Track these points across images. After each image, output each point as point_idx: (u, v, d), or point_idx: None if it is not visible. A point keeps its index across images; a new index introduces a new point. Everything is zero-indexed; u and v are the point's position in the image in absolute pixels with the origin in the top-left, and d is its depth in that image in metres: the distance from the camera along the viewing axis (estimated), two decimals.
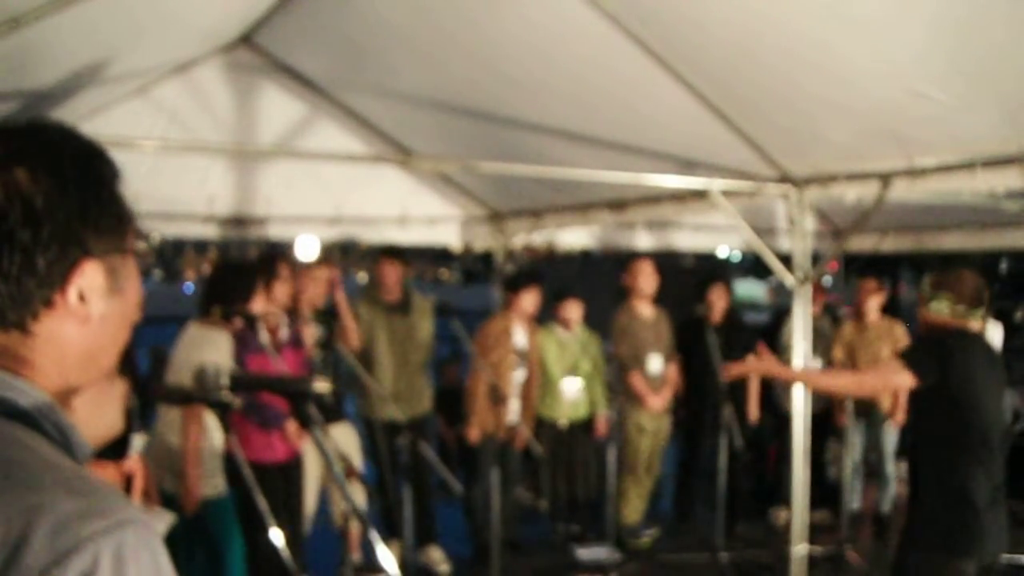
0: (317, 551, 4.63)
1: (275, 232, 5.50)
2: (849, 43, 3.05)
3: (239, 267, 3.88)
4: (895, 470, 5.64)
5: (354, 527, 4.29)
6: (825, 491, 5.71)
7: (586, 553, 5.20)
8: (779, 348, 5.48)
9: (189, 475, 3.35)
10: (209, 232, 5.38)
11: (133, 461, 2.52)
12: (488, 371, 4.74)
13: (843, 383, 3.80)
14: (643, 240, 6.64)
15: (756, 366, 3.65)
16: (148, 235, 5.04)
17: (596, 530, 5.54)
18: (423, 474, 4.77)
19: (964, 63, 2.93)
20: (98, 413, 0.92)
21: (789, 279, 4.34)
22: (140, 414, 4.45)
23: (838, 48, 3.09)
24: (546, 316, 5.47)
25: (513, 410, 4.99)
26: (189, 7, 3.68)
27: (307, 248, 5.44)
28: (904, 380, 3.01)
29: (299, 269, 4.63)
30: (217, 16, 4.10)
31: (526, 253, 6.74)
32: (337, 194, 5.38)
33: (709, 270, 8.09)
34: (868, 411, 5.57)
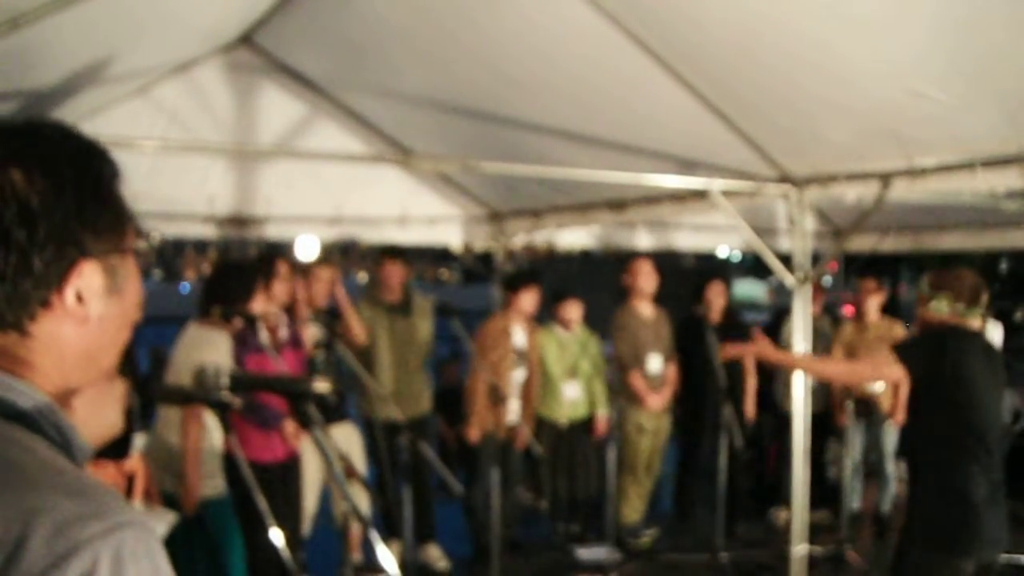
0: (317, 551, 4.63)
1: (275, 232, 5.49)
2: (849, 43, 3.05)
3: (239, 267, 3.88)
4: (895, 470, 5.64)
5: (354, 527, 4.30)
6: (825, 491, 5.71)
7: (586, 553, 5.20)
8: (779, 347, 5.48)
9: (189, 475, 3.35)
10: (209, 232, 5.38)
11: (135, 460, 2.52)
12: (488, 371, 4.74)
13: (836, 371, 3.96)
14: (643, 240, 6.64)
15: (753, 349, 3.70)
16: (148, 235, 5.04)
17: (596, 530, 5.54)
18: (422, 473, 4.78)
19: (964, 63, 2.93)
20: (98, 413, 0.92)
21: (789, 279, 4.34)
22: (141, 414, 4.46)
23: (838, 48, 3.09)
24: (546, 316, 5.47)
25: (513, 410, 4.99)
26: (189, 7, 3.68)
27: (307, 248, 5.44)
28: (895, 372, 3.05)
29: (302, 269, 4.64)
30: (217, 16, 4.10)
31: (526, 253, 6.73)
32: (337, 194, 5.38)
33: (708, 269, 8.09)
34: (868, 411, 5.56)
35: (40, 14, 2.66)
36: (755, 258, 8.24)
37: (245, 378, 2.45)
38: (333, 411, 4.56)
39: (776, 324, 6.06)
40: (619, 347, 5.40)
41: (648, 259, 5.60)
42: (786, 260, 4.40)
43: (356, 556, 4.61)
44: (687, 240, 6.82)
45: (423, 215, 5.84)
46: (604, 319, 5.57)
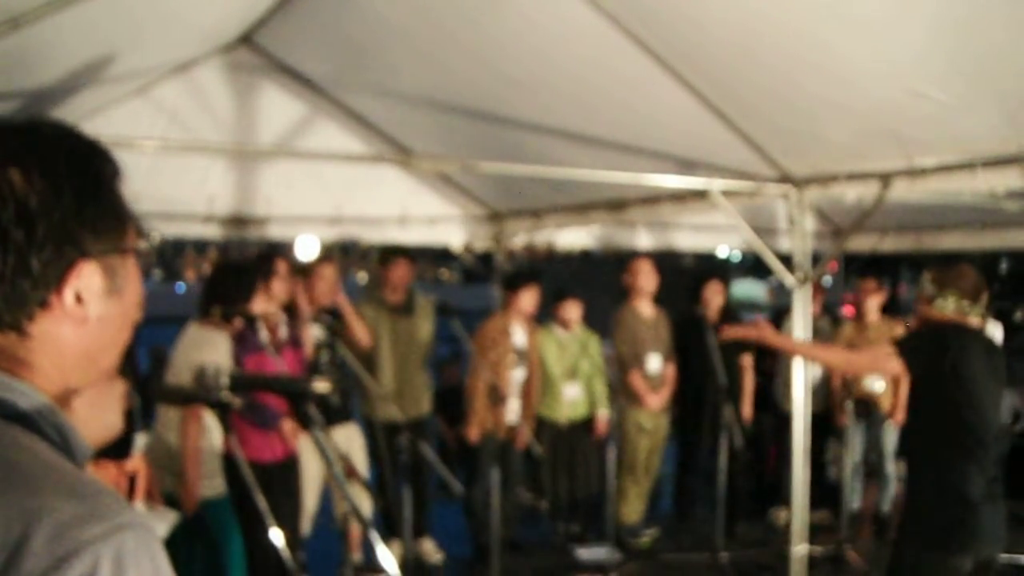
0: (317, 551, 4.63)
1: (275, 232, 5.49)
2: (849, 43, 3.05)
3: (239, 267, 3.88)
4: (895, 470, 5.63)
5: (354, 527, 4.30)
6: (825, 491, 5.71)
7: (586, 553, 5.20)
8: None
9: (188, 475, 3.35)
10: (209, 232, 5.38)
11: (136, 460, 2.52)
12: (488, 371, 4.74)
13: (836, 359, 3.94)
14: (643, 240, 6.63)
15: (753, 332, 3.70)
16: (148, 235, 5.04)
17: (596, 530, 5.54)
18: (421, 470, 4.79)
19: (964, 63, 2.93)
20: (98, 414, 0.92)
21: (789, 279, 4.34)
22: (142, 413, 4.46)
23: (838, 48, 3.09)
24: (545, 316, 5.47)
25: (513, 410, 4.99)
26: (189, 7, 3.68)
27: (307, 248, 5.44)
28: (894, 367, 3.06)
29: (303, 269, 4.63)
30: (217, 16, 4.10)
31: (526, 253, 6.73)
32: (337, 194, 5.38)
33: (707, 269, 8.09)
34: (868, 411, 5.57)
35: (40, 14, 2.66)
36: (755, 258, 8.23)
37: (245, 378, 2.45)
38: (337, 412, 4.57)
39: (776, 324, 6.05)
40: (619, 347, 5.40)
41: (648, 258, 5.60)
42: (786, 260, 4.40)
43: (356, 556, 4.62)
44: (687, 240, 6.81)
45: (423, 215, 5.84)
46: (604, 319, 5.57)
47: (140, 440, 3.42)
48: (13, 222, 0.77)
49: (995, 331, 5.50)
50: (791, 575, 4.29)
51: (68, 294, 0.81)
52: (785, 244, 5.58)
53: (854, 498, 5.70)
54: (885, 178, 3.75)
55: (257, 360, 3.84)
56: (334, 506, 4.70)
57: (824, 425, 5.63)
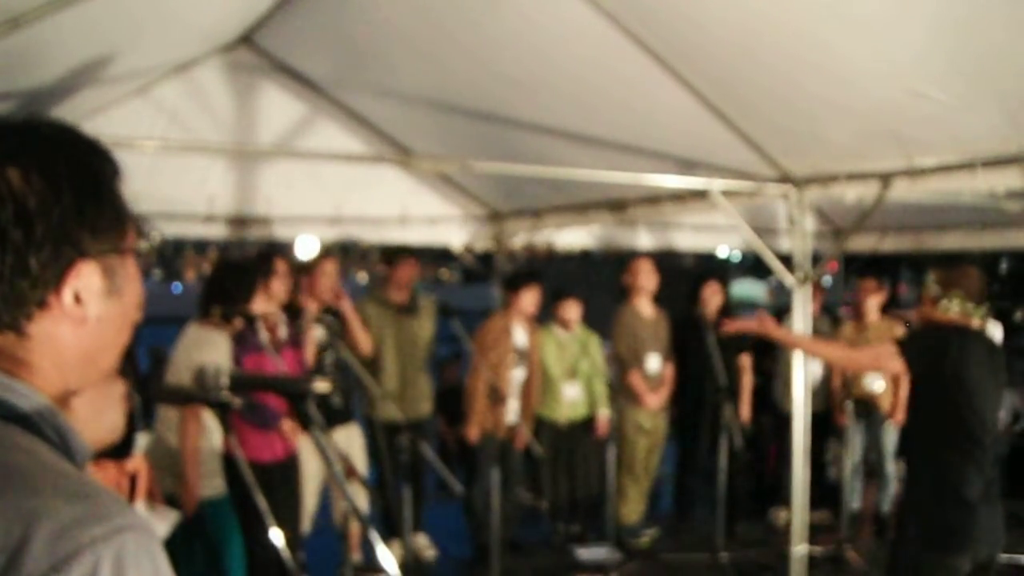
0: (317, 551, 4.63)
1: (275, 232, 5.49)
2: (849, 43, 3.05)
3: (239, 267, 3.88)
4: (895, 470, 5.63)
5: (354, 527, 4.29)
6: (825, 491, 5.71)
7: (586, 553, 5.20)
8: (779, 347, 5.49)
9: (188, 475, 3.35)
10: (209, 232, 5.38)
11: (137, 460, 2.52)
12: (488, 371, 4.74)
13: (837, 354, 3.95)
14: (643, 240, 6.63)
15: (754, 325, 3.70)
16: (148, 235, 5.04)
17: (596, 530, 5.54)
18: (418, 468, 4.79)
19: (964, 63, 2.93)
20: (99, 415, 0.91)
21: (789, 279, 4.34)
22: (142, 414, 4.46)
23: (838, 48, 3.09)
24: (545, 316, 5.47)
25: (513, 410, 4.99)
26: (189, 7, 3.68)
27: (307, 248, 5.44)
28: (895, 365, 3.06)
29: (303, 268, 4.63)
30: (217, 16, 4.10)
31: (526, 253, 6.73)
32: (337, 194, 5.38)
33: (706, 269, 8.09)
34: (868, 411, 5.57)
35: (40, 14, 2.66)
36: (755, 258, 8.23)
37: (245, 378, 2.44)
38: (338, 413, 4.57)
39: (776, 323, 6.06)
40: (618, 346, 5.40)
41: (648, 259, 5.60)
42: (786, 260, 4.40)
43: (356, 556, 4.61)
44: (687, 240, 6.81)
45: (423, 215, 5.84)
46: (604, 319, 5.57)
47: (141, 440, 3.42)
48: (11, 222, 0.76)
49: (995, 331, 5.50)
50: (791, 575, 4.29)
51: (67, 294, 0.80)
52: (785, 244, 5.58)
53: (854, 498, 5.70)
54: (885, 178, 3.74)
55: (257, 360, 3.84)
56: (334, 506, 4.70)
57: (824, 425, 5.63)
